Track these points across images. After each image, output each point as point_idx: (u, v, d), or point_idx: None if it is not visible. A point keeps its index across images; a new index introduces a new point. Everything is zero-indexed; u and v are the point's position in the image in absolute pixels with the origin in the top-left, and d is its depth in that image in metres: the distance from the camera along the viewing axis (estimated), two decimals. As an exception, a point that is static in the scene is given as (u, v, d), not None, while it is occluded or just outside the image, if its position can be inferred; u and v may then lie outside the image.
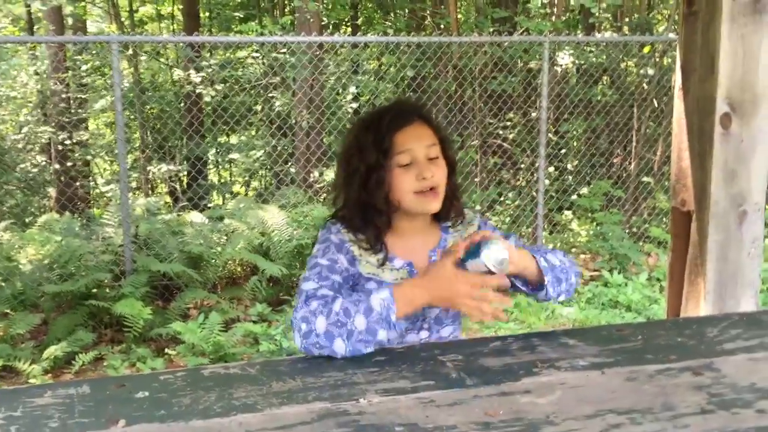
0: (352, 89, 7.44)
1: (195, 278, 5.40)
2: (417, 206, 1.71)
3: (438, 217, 1.82)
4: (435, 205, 1.72)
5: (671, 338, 1.64)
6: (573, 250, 6.80)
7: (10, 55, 12.77)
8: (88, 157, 11.53)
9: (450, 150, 1.79)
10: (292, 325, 1.58)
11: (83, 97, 11.91)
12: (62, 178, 10.63)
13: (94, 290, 5.29)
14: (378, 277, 1.72)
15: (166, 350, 4.65)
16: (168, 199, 11.24)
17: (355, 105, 7.56)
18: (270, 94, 7.77)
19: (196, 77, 7.03)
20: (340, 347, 1.51)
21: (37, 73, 12.12)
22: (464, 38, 6.20)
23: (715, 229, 3.36)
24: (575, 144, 7.70)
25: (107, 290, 5.30)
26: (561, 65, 7.83)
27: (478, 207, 6.99)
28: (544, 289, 1.70)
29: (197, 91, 7.29)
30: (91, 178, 11.78)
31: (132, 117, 10.47)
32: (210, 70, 7.46)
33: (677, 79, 3.35)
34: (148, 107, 10.41)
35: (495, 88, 6.56)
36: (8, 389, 1.48)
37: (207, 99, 7.43)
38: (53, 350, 4.47)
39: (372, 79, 7.45)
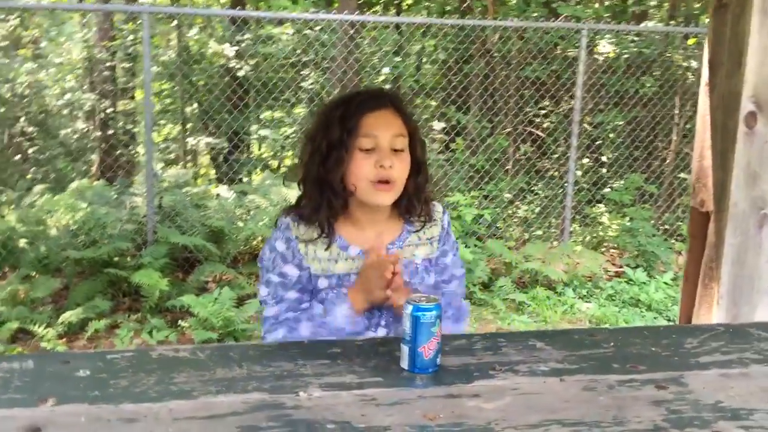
0: (386, 70, 7.36)
1: (214, 252, 5.43)
2: (369, 196, 1.65)
3: (404, 214, 1.77)
4: (387, 198, 1.66)
5: (645, 347, 1.56)
6: (603, 244, 6.67)
7: (61, 21, 12.95)
8: (129, 126, 11.69)
9: (419, 148, 1.73)
10: None
11: (126, 66, 12.06)
12: (103, 146, 10.80)
13: (116, 258, 5.36)
14: (329, 272, 1.68)
15: (180, 322, 4.69)
16: (202, 171, 11.36)
17: (387, 86, 7.48)
18: (303, 72, 7.74)
19: (229, 51, 7.03)
20: None
21: (85, 41, 12.25)
22: (500, 22, 6.07)
23: (733, 231, 3.23)
24: (612, 136, 7.50)
25: (128, 259, 5.37)
26: (602, 54, 7.63)
27: (507, 195, 6.90)
28: None
29: (230, 65, 7.29)
30: (132, 147, 11.91)
31: (176, 88, 10.57)
32: (245, 45, 7.45)
33: (704, 73, 3.21)
34: (195, 79, 10.44)
35: (529, 74, 6.42)
36: (-47, 359, 1.48)
37: (241, 73, 7.43)
38: (68, 316, 4.55)
39: (403, 60, 7.35)
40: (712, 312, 3.30)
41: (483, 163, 6.42)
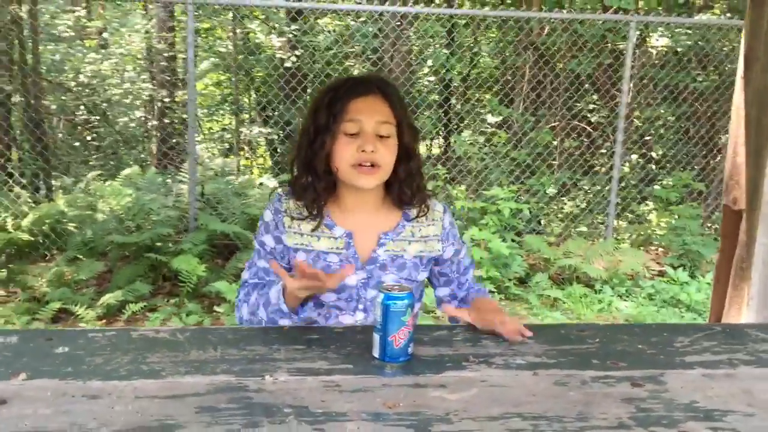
0: (430, 62, 7.33)
1: (252, 240, 5.50)
2: (351, 178, 1.66)
3: (398, 203, 1.77)
4: (368, 181, 1.66)
5: (632, 344, 1.53)
6: (648, 242, 6.52)
7: (125, 11, 13.28)
8: (185, 116, 11.92)
9: (408, 135, 1.72)
10: None
11: (184, 56, 12.29)
12: (160, 135, 11.05)
13: (158, 244, 5.48)
14: (309, 247, 1.69)
15: (215, 308, 4.78)
16: (260, 161, 11.49)
17: (433, 78, 7.45)
18: (349, 63, 7.77)
19: (276, 41, 7.10)
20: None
21: (146, 32, 12.51)
22: (544, 14, 5.96)
23: (765, 231, 3.13)
24: (662, 132, 7.31)
25: (170, 245, 5.49)
26: (656, 47, 7.44)
27: (551, 189, 6.79)
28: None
29: (277, 55, 7.37)
30: (187, 136, 12.07)
31: (234, 78, 10.73)
32: (294, 36, 7.52)
33: (739, 67, 3.11)
34: (252, 70, 10.55)
35: (574, 67, 6.30)
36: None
37: (288, 65, 7.49)
38: (108, 298, 4.68)
39: (454, 52, 7.30)
40: (742, 313, 3.21)
41: (524, 156, 6.33)
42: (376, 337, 1.39)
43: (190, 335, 1.47)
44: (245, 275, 1.76)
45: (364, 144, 1.62)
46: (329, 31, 7.90)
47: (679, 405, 1.25)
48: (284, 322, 1.62)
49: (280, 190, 1.78)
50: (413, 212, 1.76)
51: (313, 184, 1.68)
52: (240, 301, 1.73)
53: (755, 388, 1.33)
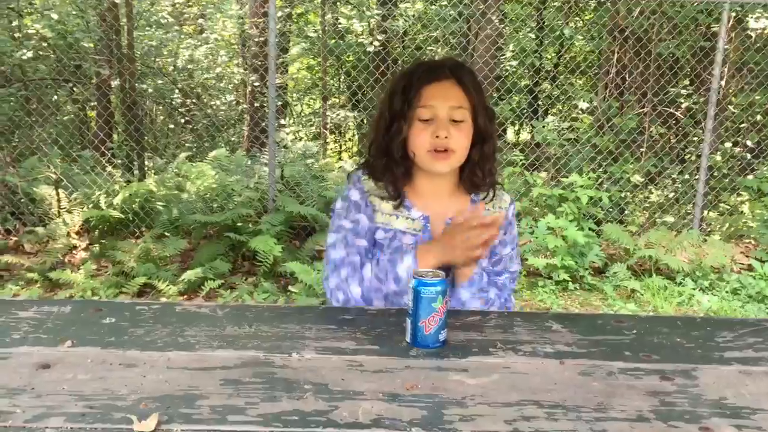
0: (511, 46, 7.21)
1: (327, 222, 5.60)
2: (426, 163, 1.70)
3: (469, 187, 1.79)
4: (443, 165, 1.69)
5: (670, 337, 1.49)
6: (738, 234, 6.24)
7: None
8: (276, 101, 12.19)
9: (484, 119, 1.72)
10: (328, 293, 1.70)
11: (274, 42, 12.53)
12: (249, 118, 11.34)
13: (239, 224, 5.67)
14: (388, 226, 1.73)
15: (289, 287, 4.90)
16: (348, 144, 11.61)
17: (514, 63, 7.34)
18: (435, 47, 7.74)
19: (358, 26, 7.16)
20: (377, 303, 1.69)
21: (239, 18, 12.82)
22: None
23: None
24: (759, 119, 6.95)
25: (249, 225, 5.67)
26: (755, 30, 7.06)
27: (638, 177, 6.59)
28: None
29: (360, 40, 7.43)
30: (284, 119, 12.33)
31: (327, 64, 10.88)
32: (373, 20, 7.56)
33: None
34: (343, 56, 10.68)
35: (662, 51, 6.06)
36: (5, 299, 1.66)
37: (370, 49, 7.55)
38: (189, 274, 4.88)
39: (533, 36, 7.16)
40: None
41: (607, 143, 6.15)
42: (408, 321, 1.41)
43: (228, 311, 1.53)
44: (339, 253, 1.71)
45: (438, 130, 1.65)
46: (409, 16, 7.89)
47: (707, 401, 1.21)
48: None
49: (357, 171, 1.81)
50: (480, 196, 1.78)
51: (391, 168, 1.72)
52: (344, 282, 1.67)
53: (794, 387, 1.28)
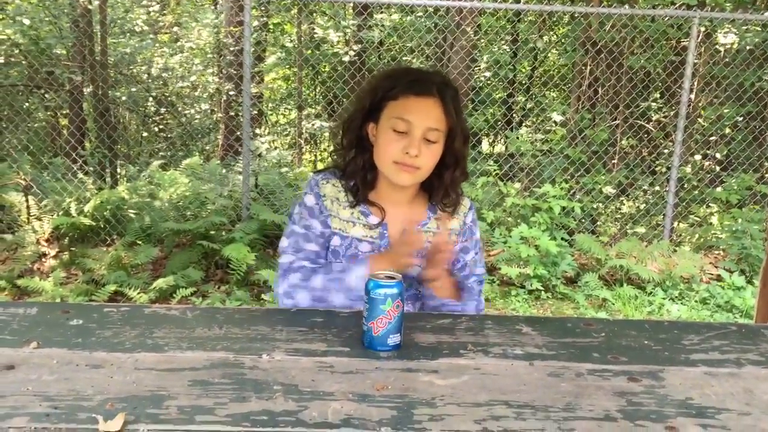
0: (485, 58, 7.28)
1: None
2: (390, 173, 1.68)
3: (435, 200, 1.80)
4: (406, 179, 1.68)
5: (638, 340, 1.50)
6: (707, 245, 6.33)
7: (197, 5, 13.62)
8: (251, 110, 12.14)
9: (459, 143, 1.71)
10: (277, 298, 1.69)
11: (249, 51, 12.50)
12: (224, 127, 11.29)
13: (212, 232, 5.63)
14: (345, 232, 1.73)
15: (262, 296, 4.88)
16: (325, 154, 11.57)
17: (488, 74, 7.40)
18: (411, 58, 7.78)
19: (334, 36, 7.17)
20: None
21: (214, 27, 12.77)
22: (601, 9, 5.84)
23: (815, 234, 3.03)
24: (728, 131, 7.07)
25: (222, 233, 5.63)
26: (723, 45, 7.20)
27: (609, 188, 6.66)
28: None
29: (335, 50, 7.44)
30: (252, 129, 12.26)
31: (303, 74, 10.88)
32: (349, 30, 7.58)
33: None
34: (319, 65, 10.67)
35: (633, 64, 6.15)
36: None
37: (346, 59, 7.57)
38: (160, 282, 4.83)
39: (507, 49, 7.23)
40: (788, 319, 3.11)
41: (579, 155, 6.22)
42: (363, 322, 1.41)
43: (199, 314, 1.52)
44: (288, 258, 1.72)
45: (410, 147, 1.63)
46: (384, 26, 7.93)
47: (673, 401, 1.23)
48: (337, 299, 1.66)
49: (316, 175, 1.79)
50: (441, 212, 1.79)
51: (357, 171, 1.73)
52: (293, 288, 1.68)
53: (758, 388, 1.30)
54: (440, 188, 1.75)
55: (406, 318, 1.45)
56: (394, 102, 1.66)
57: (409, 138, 1.63)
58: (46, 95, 8.44)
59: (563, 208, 5.67)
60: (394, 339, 1.39)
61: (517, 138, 6.54)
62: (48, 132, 8.55)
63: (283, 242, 1.75)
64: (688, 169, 6.85)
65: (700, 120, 6.82)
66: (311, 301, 1.66)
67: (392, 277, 1.39)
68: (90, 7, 7.05)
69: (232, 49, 11.88)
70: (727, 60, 6.43)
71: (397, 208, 1.76)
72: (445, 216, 1.80)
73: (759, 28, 6.66)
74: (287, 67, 12.19)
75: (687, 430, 1.13)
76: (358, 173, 1.73)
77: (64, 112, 8.68)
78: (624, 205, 7.05)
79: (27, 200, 5.90)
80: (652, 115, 6.96)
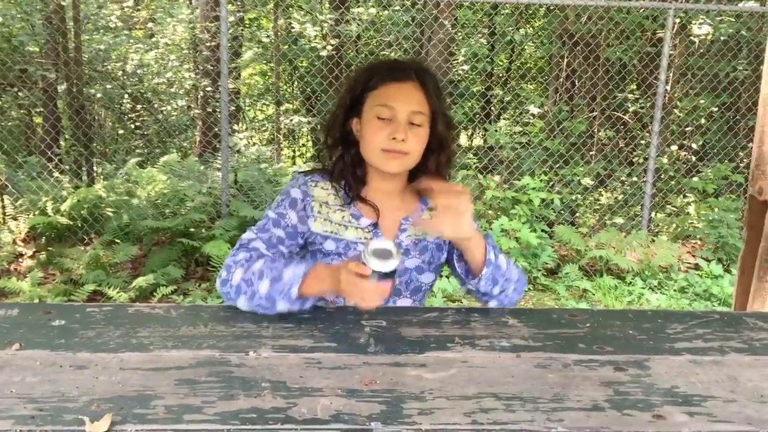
0: (463, 51, 7.29)
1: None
2: (379, 162, 1.68)
3: (419, 189, 1.78)
4: (395, 165, 1.67)
5: (623, 330, 1.51)
6: (684, 235, 6.40)
7: (170, 1, 13.48)
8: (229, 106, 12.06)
9: (442, 126, 1.71)
10: (223, 269, 1.60)
11: (225, 46, 12.41)
12: (201, 123, 11.20)
13: (191, 229, 5.60)
14: (337, 235, 1.71)
15: (244, 293, 4.85)
16: (304, 150, 11.56)
17: (466, 67, 7.41)
18: (389, 52, 7.77)
19: (311, 31, 7.14)
20: (242, 304, 1.53)
21: (190, 22, 12.65)
22: (578, 1, 5.86)
23: (791, 222, 3.07)
24: (703, 122, 7.14)
25: (202, 230, 5.60)
26: (698, 36, 7.27)
27: (588, 179, 6.70)
28: (477, 280, 1.63)
29: (313, 45, 7.41)
30: (230, 125, 12.18)
31: (280, 69, 10.81)
32: (326, 25, 7.56)
33: (766, 58, 3.06)
34: (296, 60, 10.62)
35: (609, 56, 6.19)
36: (-51, 304, 1.61)
37: (323, 53, 7.54)
38: (140, 281, 4.79)
39: (484, 42, 7.24)
40: (767, 305, 3.15)
41: (558, 147, 6.26)
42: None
43: (183, 312, 1.50)
44: (247, 236, 1.65)
45: (396, 132, 1.62)
46: (362, 20, 7.91)
47: (659, 390, 1.24)
48: (282, 306, 1.50)
49: (303, 175, 1.76)
50: (432, 203, 1.77)
51: (347, 170, 1.72)
52: (234, 264, 1.57)
53: (742, 375, 1.31)
54: (425, 174, 1.74)
55: (393, 312, 1.45)
56: (375, 92, 1.67)
57: (395, 123, 1.64)
58: (20, 93, 8.33)
59: (543, 200, 5.71)
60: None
61: (496, 131, 6.56)
62: (22, 130, 8.45)
63: (257, 224, 1.71)
64: (665, 159, 6.91)
65: (676, 111, 6.88)
66: (241, 280, 1.53)
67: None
68: (63, 3, 6.95)
69: (208, 44, 11.80)
70: (702, 51, 6.51)
71: (389, 201, 1.76)
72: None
73: (733, 19, 6.73)
74: (264, 62, 12.13)
75: (674, 418, 1.14)
76: (347, 170, 1.73)
77: (38, 110, 8.58)
78: (602, 196, 7.10)
79: (2, 200, 5.83)
80: (629, 106, 7.00)
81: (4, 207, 5.81)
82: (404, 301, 1.77)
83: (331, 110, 1.79)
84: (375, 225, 1.73)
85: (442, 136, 1.72)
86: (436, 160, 1.74)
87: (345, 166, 1.73)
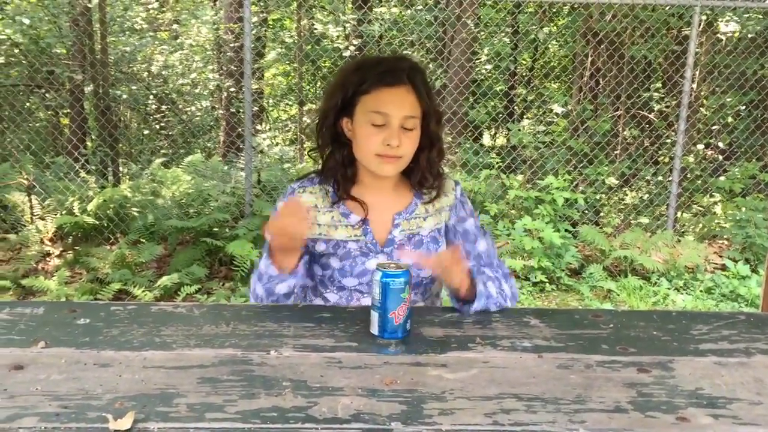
0: (486, 50, 7.26)
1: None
2: (373, 166, 1.69)
3: (413, 184, 1.79)
4: (390, 169, 1.69)
5: (647, 331, 1.50)
6: (711, 235, 6.32)
7: (196, 2, 13.58)
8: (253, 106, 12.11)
9: (434, 124, 1.72)
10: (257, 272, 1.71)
11: (249, 47, 12.48)
12: (225, 124, 11.27)
13: (215, 229, 5.63)
14: (328, 237, 1.72)
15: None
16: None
17: (489, 66, 7.38)
18: (407, 51, 7.76)
19: (333, 31, 7.16)
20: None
21: (214, 23, 12.72)
22: None
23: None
24: (731, 120, 7.05)
25: (226, 230, 5.63)
26: (725, 34, 7.17)
27: (612, 179, 6.65)
28: (468, 307, 1.61)
29: (335, 45, 7.43)
30: (254, 125, 12.22)
31: (303, 69, 10.85)
32: (349, 25, 7.57)
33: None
34: (319, 61, 10.65)
35: (635, 54, 6.12)
36: (-23, 302, 1.63)
37: (346, 54, 7.56)
38: (165, 280, 4.83)
39: (507, 41, 7.21)
40: (794, 307, 3.10)
41: (581, 146, 6.21)
42: (375, 314, 1.41)
43: (206, 311, 1.52)
44: (259, 263, 1.72)
45: (390, 138, 1.63)
46: (384, 20, 7.91)
47: (683, 392, 1.23)
48: (281, 288, 1.62)
49: (293, 184, 1.79)
50: (427, 196, 1.77)
51: (341, 158, 1.72)
52: (251, 293, 1.73)
53: (768, 377, 1.30)
54: (417, 171, 1.75)
55: (414, 312, 1.45)
56: (367, 96, 1.66)
57: (388, 129, 1.64)
58: (47, 95, 8.43)
59: (566, 200, 5.66)
60: (409, 324, 1.43)
61: (519, 130, 6.52)
62: (49, 131, 8.55)
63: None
64: (691, 158, 6.83)
65: (702, 109, 6.80)
66: (264, 290, 1.68)
67: (400, 267, 1.39)
68: (89, 5, 7.03)
69: (231, 45, 11.87)
70: (728, 49, 6.42)
71: (381, 197, 1.76)
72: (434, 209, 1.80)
73: (761, 16, 6.63)
74: (287, 62, 12.17)
75: (698, 420, 1.13)
76: (337, 169, 1.74)
77: (65, 111, 8.68)
78: (627, 195, 7.03)
79: (30, 200, 5.91)
80: (654, 105, 6.93)
81: (32, 207, 5.89)
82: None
83: (321, 109, 1.78)
84: (364, 221, 1.73)
85: (433, 134, 1.73)
86: (427, 157, 1.75)
87: (335, 165, 1.74)
